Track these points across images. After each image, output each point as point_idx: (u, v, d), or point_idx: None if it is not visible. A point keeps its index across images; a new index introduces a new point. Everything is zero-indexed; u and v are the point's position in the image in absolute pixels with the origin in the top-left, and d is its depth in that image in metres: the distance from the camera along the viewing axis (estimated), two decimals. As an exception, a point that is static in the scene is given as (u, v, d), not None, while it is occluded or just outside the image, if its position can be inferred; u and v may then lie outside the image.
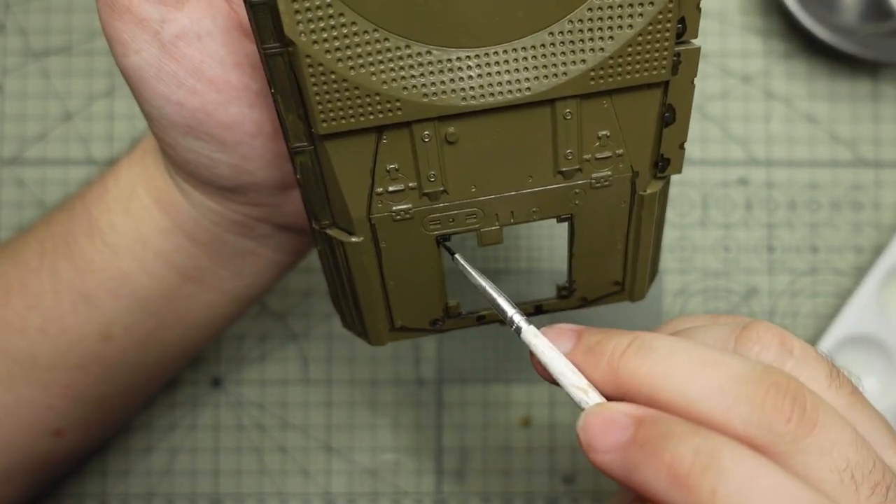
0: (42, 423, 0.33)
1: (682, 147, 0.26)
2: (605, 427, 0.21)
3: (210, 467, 0.43)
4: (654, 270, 0.30)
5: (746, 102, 0.44)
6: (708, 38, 0.45)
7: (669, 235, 0.44)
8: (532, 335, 0.24)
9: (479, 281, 0.26)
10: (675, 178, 0.44)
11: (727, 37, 0.45)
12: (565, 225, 0.27)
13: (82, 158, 0.44)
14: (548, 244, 0.44)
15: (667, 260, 0.44)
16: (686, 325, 0.26)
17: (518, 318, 0.25)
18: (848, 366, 0.43)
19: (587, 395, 0.23)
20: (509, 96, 0.23)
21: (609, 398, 0.23)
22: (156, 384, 0.37)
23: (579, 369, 0.23)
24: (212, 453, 0.43)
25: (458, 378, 0.44)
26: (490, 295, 0.25)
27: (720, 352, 0.22)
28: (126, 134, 0.44)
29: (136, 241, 0.30)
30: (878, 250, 0.44)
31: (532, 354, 0.24)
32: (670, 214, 0.44)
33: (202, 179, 0.28)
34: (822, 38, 0.42)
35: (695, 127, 0.44)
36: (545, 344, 0.24)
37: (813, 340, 0.44)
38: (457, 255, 0.27)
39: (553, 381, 0.24)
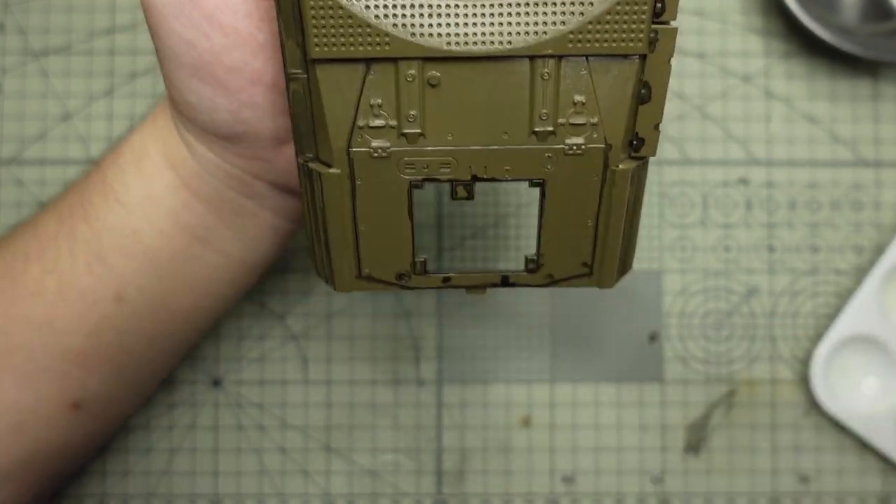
0: (59, 394, 0.34)
1: (656, 128, 0.27)
2: None
3: (209, 467, 0.43)
4: (625, 262, 0.31)
5: (746, 102, 0.44)
6: (708, 37, 0.45)
7: (669, 235, 0.44)
8: None
9: None
10: (674, 177, 0.44)
11: (727, 37, 0.45)
12: (537, 193, 0.28)
13: (82, 158, 0.43)
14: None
15: (667, 260, 0.44)
16: None
17: None
18: (848, 366, 0.44)
19: None
20: (491, 47, 0.25)
21: None
22: (169, 358, 0.37)
23: None
24: (211, 453, 0.43)
25: (458, 378, 0.44)
26: None
27: None
28: (125, 134, 0.44)
29: (147, 199, 0.32)
30: (878, 250, 0.44)
31: None
32: (670, 214, 0.44)
33: (203, 125, 0.30)
34: (823, 38, 0.42)
35: (695, 127, 0.44)
36: None
37: (813, 340, 0.44)
38: None
39: None
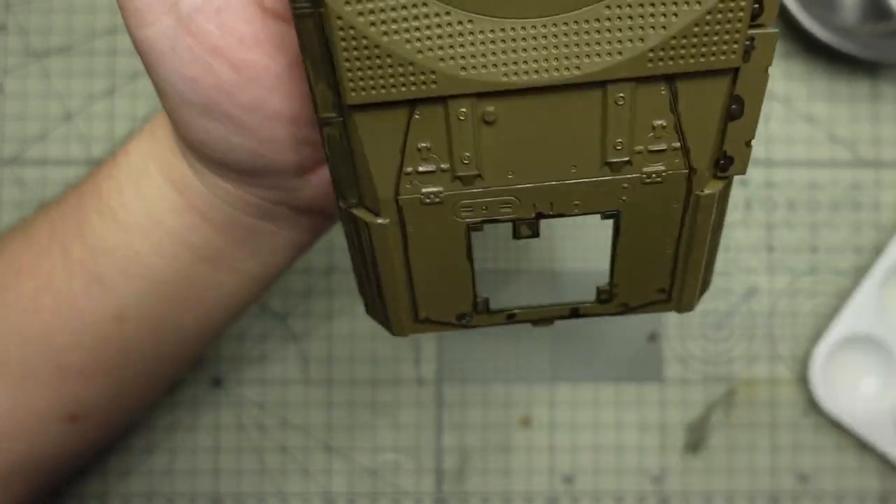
0: (56, 407, 0.33)
1: (748, 145, 0.23)
2: None
3: (210, 467, 0.43)
4: (706, 280, 0.28)
5: (746, 103, 0.44)
6: (707, 38, 0.45)
7: (669, 235, 0.44)
8: None
9: None
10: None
11: (727, 37, 0.45)
12: (609, 224, 0.25)
13: (83, 158, 0.44)
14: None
15: (666, 260, 0.44)
16: None
17: None
18: (847, 365, 0.44)
19: None
20: (556, 75, 0.21)
21: None
22: (173, 371, 0.36)
23: None
24: (212, 453, 0.43)
25: (458, 378, 0.44)
26: None
27: None
28: (126, 134, 0.44)
29: (147, 220, 0.30)
30: (877, 250, 0.44)
31: None
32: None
33: (217, 162, 0.27)
34: (822, 38, 0.42)
35: (694, 127, 0.44)
36: None
37: (812, 340, 0.44)
38: None
39: None
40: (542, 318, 0.27)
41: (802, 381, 0.44)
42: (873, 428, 0.43)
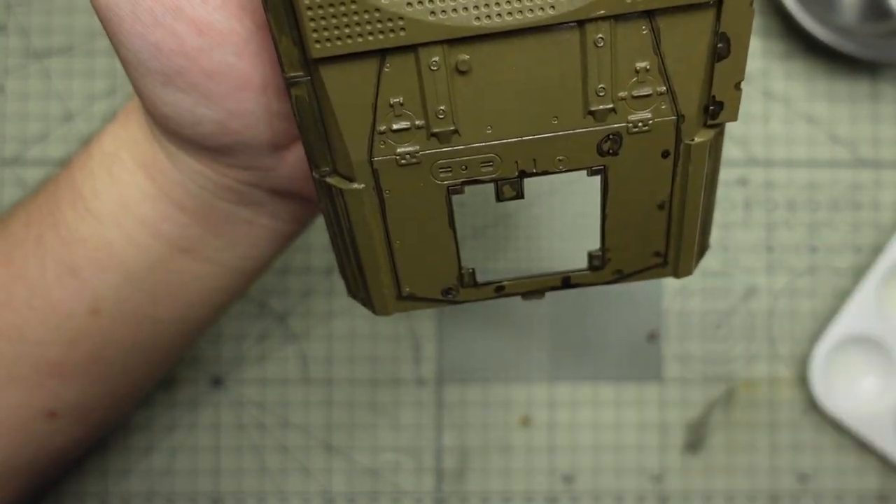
0: (34, 402, 0.32)
1: (738, 87, 0.22)
2: None
3: (210, 466, 0.43)
4: (703, 243, 0.26)
5: (745, 103, 0.44)
6: (707, 38, 0.45)
7: (669, 235, 0.44)
8: None
9: None
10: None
11: (726, 37, 0.45)
12: (597, 182, 0.24)
13: (83, 159, 0.44)
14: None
15: (666, 260, 0.44)
16: None
17: None
18: (846, 365, 0.44)
19: None
20: (530, 15, 0.20)
21: None
22: (156, 366, 0.35)
23: None
24: (212, 452, 0.43)
25: (458, 378, 0.44)
26: None
27: None
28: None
29: (120, 209, 0.29)
30: (877, 250, 0.44)
31: None
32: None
33: (185, 138, 0.26)
34: (822, 38, 0.42)
35: (694, 127, 0.44)
36: None
37: (812, 340, 0.44)
38: None
39: None
40: (532, 289, 0.26)
41: (802, 380, 0.44)
42: (873, 428, 0.43)
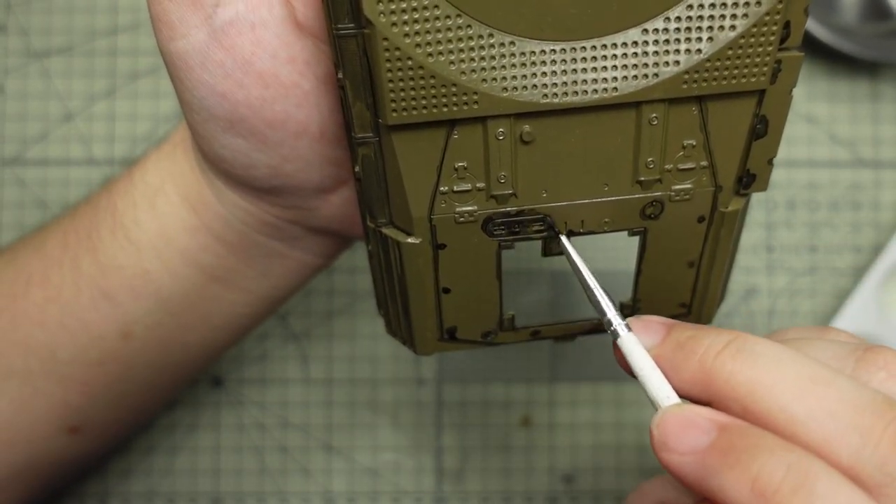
0: (57, 419, 0.33)
1: (770, 163, 0.24)
2: (684, 428, 0.20)
3: (211, 466, 0.43)
4: (723, 293, 0.29)
5: (746, 102, 0.44)
6: (707, 38, 0.45)
7: (669, 235, 0.44)
8: (627, 339, 0.23)
9: (582, 269, 0.24)
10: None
11: (726, 37, 0.45)
12: (634, 238, 0.25)
13: (83, 159, 0.44)
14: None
15: (666, 260, 0.44)
16: (791, 336, 0.23)
17: (616, 321, 0.23)
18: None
19: (667, 395, 0.21)
20: (594, 96, 0.22)
21: (694, 402, 0.21)
22: (178, 385, 0.36)
23: (665, 366, 0.22)
24: (212, 452, 0.43)
25: (458, 378, 0.44)
26: (589, 286, 0.24)
27: (835, 372, 0.20)
28: (127, 134, 0.44)
29: (160, 239, 0.29)
30: (876, 250, 0.44)
31: (616, 346, 0.23)
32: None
33: (237, 178, 0.27)
34: (822, 38, 0.42)
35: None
36: (633, 339, 0.23)
37: (812, 340, 0.44)
38: (563, 238, 0.24)
39: (632, 375, 0.23)
40: (565, 333, 0.28)
41: (802, 380, 0.44)
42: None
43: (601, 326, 0.27)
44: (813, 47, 0.44)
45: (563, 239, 0.24)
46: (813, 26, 0.42)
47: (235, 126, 0.25)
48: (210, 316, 0.32)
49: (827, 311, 0.44)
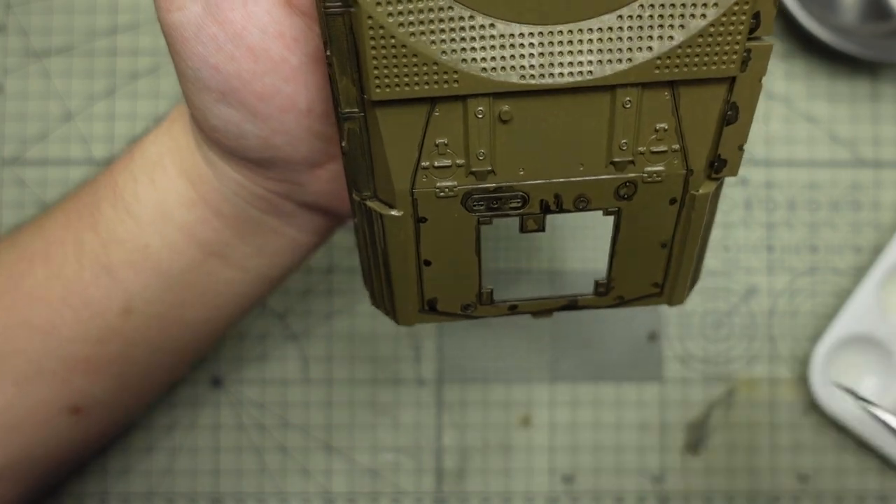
0: (60, 398, 0.33)
1: (740, 148, 0.25)
2: None
3: (210, 466, 0.43)
4: (695, 276, 0.29)
5: (746, 102, 0.44)
6: (707, 38, 0.45)
7: (669, 235, 0.44)
8: None
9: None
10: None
11: (727, 37, 0.45)
12: (605, 224, 0.26)
13: (83, 158, 0.44)
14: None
15: (666, 260, 0.44)
16: None
17: None
18: (847, 365, 0.44)
19: None
20: (569, 78, 0.23)
21: None
22: (178, 367, 0.36)
23: None
24: (212, 452, 0.43)
25: (458, 378, 0.44)
26: None
27: None
28: (127, 134, 0.44)
29: (159, 213, 0.30)
30: (877, 250, 0.44)
31: None
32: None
33: (229, 150, 0.28)
34: (822, 38, 0.42)
35: (694, 127, 0.44)
36: None
37: (812, 340, 0.44)
38: (869, 404, 0.25)
39: None
40: (541, 309, 0.29)
41: (802, 380, 0.44)
42: (873, 428, 0.43)
43: (576, 303, 0.29)
44: (813, 47, 0.44)
45: (880, 412, 0.25)
46: (813, 26, 0.42)
47: (227, 97, 0.26)
48: (208, 293, 0.32)
49: (827, 311, 0.44)
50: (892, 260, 0.43)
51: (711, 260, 0.44)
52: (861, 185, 0.44)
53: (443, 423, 0.44)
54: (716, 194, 0.26)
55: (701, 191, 0.25)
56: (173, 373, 0.37)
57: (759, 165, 0.44)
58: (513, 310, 0.28)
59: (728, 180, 0.44)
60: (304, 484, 0.43)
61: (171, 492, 0.43)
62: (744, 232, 0.44)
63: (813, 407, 0.44)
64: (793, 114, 0.45)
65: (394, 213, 0.25)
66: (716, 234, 0.44)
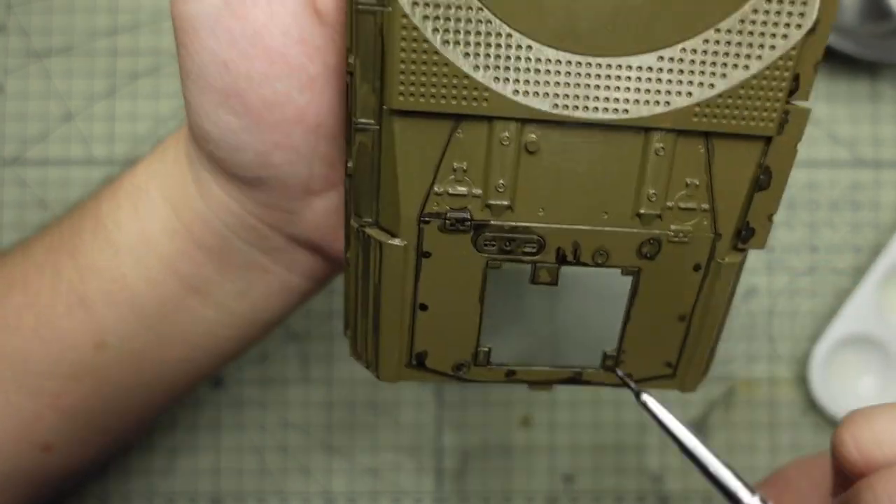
0: (30, 434, 0.31)
1: (770, 219, 0.24)
2: None
3: (211, 466, 0.43)
4: (711, 359, 0.28)
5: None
6: (707, 38, 0.45)
7: (669, 235, 0.44)
8: None
9: (686, 438, 0.22)
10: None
11: (726, 37, 0.45)
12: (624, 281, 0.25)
13: (83, 158, 0.44)
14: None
15: (666, 260, 0.44)
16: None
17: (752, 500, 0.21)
18: (846, 365, 0.44)
19: None
20: (604, 114, 0.22)
21: None
22: (156, 407, 0.34)
23: None
24: (213, 452, 0.43)
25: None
26: (705, 463, 0.22)
27: None
28: (127, 134, 0.44)
29: (139, 242, 0.29)
30: (876, 250, 0.44)
31: None
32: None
33: (223, 164, 0.26)
34: (821, 38, 0.42)
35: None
36: None
37: (811, 340, 0.44)
38: (645, 396, 0.24)
39: None
40: (541, 380, 0.27)
41: (801, 380, 0.44)
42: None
43: (581, 376, 0.26)
44: (813, 47, 0.44)
45: (647, 398, 0.24)
46: (813, 26, 0.42)
47: (230, 100, 0.24)
48: (187, 332, 0.30)
49: (827, 311, 0.44)
50: (892, 260, 0.43)
51: (711, 260, 0.44)
52: (860, 185, 0.44)
53: (443, 423, 0.44)
54: (740, 267, 0.25)
55: (727, 259, 0.24)
56: (149, 413, 0.35)
57: (758, 165, 0.44)
58: (510, 377, 0.26)
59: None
60: (304, 483, 0.43)
61: (172, 491, 0.43)
62: (743, 232, 0.44)
63: (812, 407, 0.44)
64: (792, 114, 0.45)
65: (395, 242, 0.23)
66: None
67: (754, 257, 0.44)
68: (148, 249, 0.29)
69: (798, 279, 0.44)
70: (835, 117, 0.45)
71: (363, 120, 0.22)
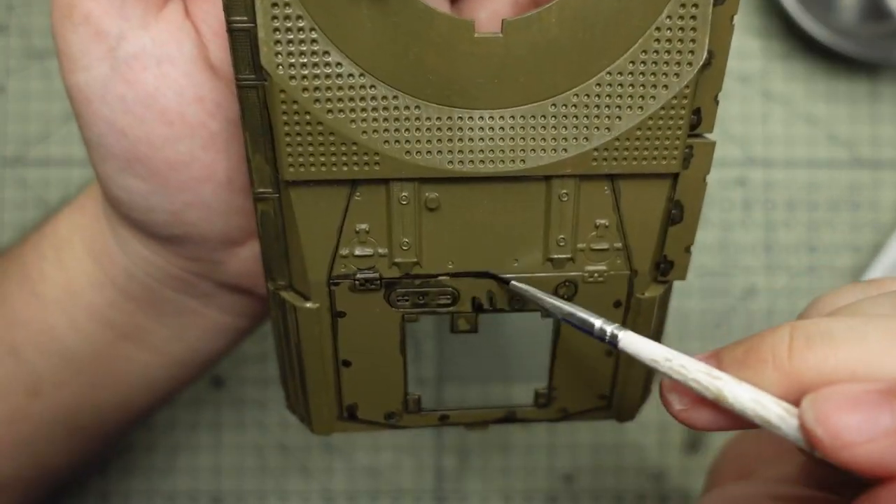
0: None
1: (688, 250, 0.24)
2: (855, 410, 0.17)
3: (211, 465, 0.43)
4: (646, 389, 0.28)
5: (744, 103, 0.45)
6: (707, 38, 0.45)
7: (668, 235, 0.44)
8: (632, 341, 0.20)
9: (545, 298, 0.22)
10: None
11: (726, 37, 0.45)
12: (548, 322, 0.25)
13: (85, 159, 0.44)
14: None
15: (665, 259, 0.44)
16: (838, 302, 0.21)
17: (609, 327, 0.21)
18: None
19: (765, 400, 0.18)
20: (501, 166, 0.21)
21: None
22: (94, 450, 0.34)
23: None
24: (213, 451, 0.43)
25: (458, 378, 0.44)
26: (566, 309, 0.22)
27: None
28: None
29: (65, 294, 0.28)
30: (875, 250, 0.44)
31: (664, 386, 0.21)
32: (669, 214, 0.44)
33: (137, 224, 0.26)
34: (821, 38, 0.42)
35: (693, 127, 0.45)
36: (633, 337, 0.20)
37: (811, 340, 0.44)
38: (514, 282, 0.23)
39: (695, 400, 0.20)
40: (475, 421, 0.27)
41: (801, 380, 0.44)
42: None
43: (514, 415, 0.26)
44: (812, 47, 0.44)
45: (515, 283, 0.23)
46: (813, 26, 0.42)
47: (133, 166, 0.24)
48: (123, 376, 0.30)
49: (826, 310, 0.44)
50: (891, 260, 0.43)
51: (710, 260, 0.44)
52: (860, 185, 0.44)
53: (443, 422, 0.44)
54: (664, 298, 0.25)
55: (647, 294, 0.24)
56: (94, 449, 0.34)
57: (757, 166, 0.44)
58: (444, 420, 0.26)
59: (727, 180, 0.44)
60: (304, 482, 0.43)
61: (173, 490, 0.43)
62: (742, 232, 0.44)
63: (812, 406, 0.44)
64: (791, 114, 0.45)
65: (308, 305, 0.23)
66: (714, 234, 0.44)
67: (754, 257, 0.44)
68: (74, 300, 0.28)
69: (797, 279, 0.44)
70: (834, 117, 0.45)
71: (261, 189, 0.22)
